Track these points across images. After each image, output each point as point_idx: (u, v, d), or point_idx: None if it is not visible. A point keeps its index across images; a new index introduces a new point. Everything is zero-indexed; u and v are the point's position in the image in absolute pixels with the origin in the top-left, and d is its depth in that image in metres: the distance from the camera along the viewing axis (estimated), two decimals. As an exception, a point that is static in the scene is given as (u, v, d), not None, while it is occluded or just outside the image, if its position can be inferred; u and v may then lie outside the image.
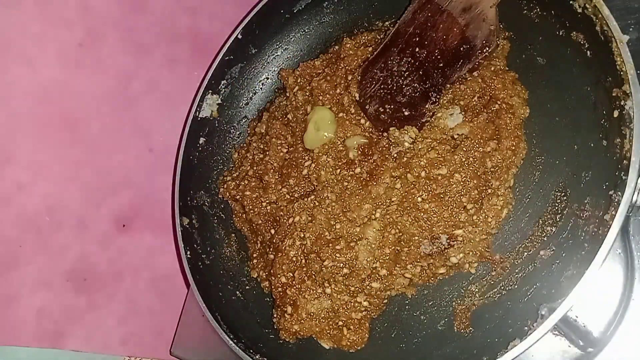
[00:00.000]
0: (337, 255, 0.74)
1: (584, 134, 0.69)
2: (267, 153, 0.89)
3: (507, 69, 0.77)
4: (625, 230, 0.69)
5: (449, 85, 0.77)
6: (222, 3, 1.02)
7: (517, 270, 0.70)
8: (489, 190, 0.72)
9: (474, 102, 0.76)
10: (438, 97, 0.76)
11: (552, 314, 0.58)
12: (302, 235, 0.78)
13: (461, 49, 0.74)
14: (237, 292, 0.88)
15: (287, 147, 0.88)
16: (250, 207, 0.87)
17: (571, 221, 0.67)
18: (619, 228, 0.58)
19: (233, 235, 0.93)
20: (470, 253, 0.71)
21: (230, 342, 0.78)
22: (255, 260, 0.88)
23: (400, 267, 0.73)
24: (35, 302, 0.83)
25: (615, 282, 0.68)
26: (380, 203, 0.75)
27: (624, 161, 0.60)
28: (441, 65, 0.75)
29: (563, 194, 0.69)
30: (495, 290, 0.70)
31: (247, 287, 0.89)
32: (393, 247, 0.73)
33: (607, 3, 0.65)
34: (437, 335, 0.73)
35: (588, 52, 0.69)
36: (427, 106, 0.76)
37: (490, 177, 0.72)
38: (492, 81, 0.76)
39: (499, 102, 0.74)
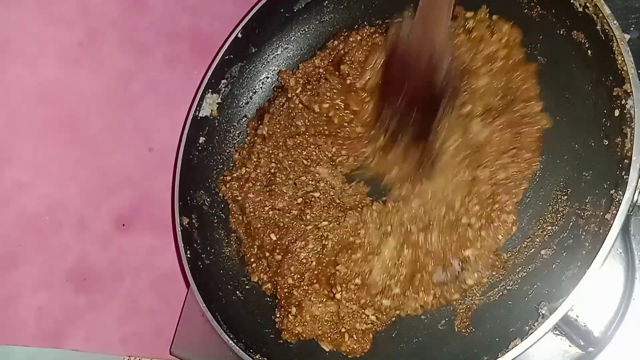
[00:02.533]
0: (352, 264, 0.74)
1: (584, 133, 0.69)
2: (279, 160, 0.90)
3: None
4: (626, 229, 0.69)
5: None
6: (222, 3, 1.02)
7: (517, 270, 0.70)
8: (496, 205, 0.71)
9: (497, 102, 0.75)
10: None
11: (553, 314, 0.58)
12: (326, 235, 0.79)
13: (435, 90, 0.74)
14: (237, 292, 0.88)
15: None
16: (252, 209, 0.87)
17: (572, 221, 0.67)
18: (620, 227, 0.58)
19: (233, 235, 0.93)
20: (484, 269, 0.71)
21: (230, 341, 0.78)
22: (254, 265, 0.88)
23: (413, 292, 0.73)
24: (35, 301, 0.83)
25: (616, 281, 0.69)
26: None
27: (625, 160, 0.61)
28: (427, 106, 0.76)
29: (564, 193, 0.69)
30: (496, 290, 0.71)
31: (247, 287, 0.89)
32: (410, 267, 0.73)
33: (608, 2, 0.65)
34: (438, 335, 0.73)
35: (589, 52, 0.69)
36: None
37: (500, 191, 0.72)
38: (512, 74, 0.76)
39: (520, 107, 0.74)
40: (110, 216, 0.92)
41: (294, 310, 0.77)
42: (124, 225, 0.94)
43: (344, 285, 0.75)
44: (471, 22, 0.80)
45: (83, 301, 0.89)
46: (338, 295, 0.75)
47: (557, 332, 0.68)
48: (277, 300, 0.83)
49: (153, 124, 0.97)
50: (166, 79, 0.98)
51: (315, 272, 0.78)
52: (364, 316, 0.75)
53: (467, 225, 0.71)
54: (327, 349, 0.77)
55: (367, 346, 0.75)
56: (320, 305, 0.76)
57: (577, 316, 0.67)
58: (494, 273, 0.72)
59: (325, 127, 0.88)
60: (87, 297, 0.89)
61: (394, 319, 0.76)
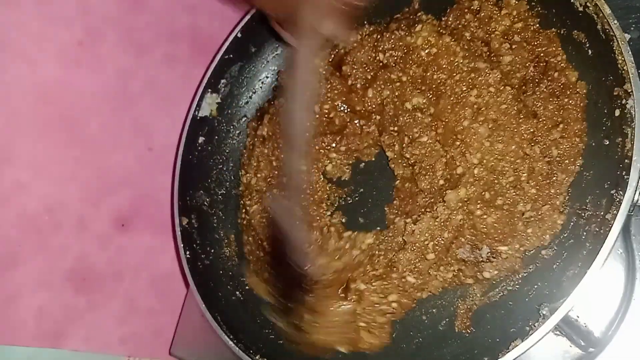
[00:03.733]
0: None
1: (585, 133, 0.69)
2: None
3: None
4: (627, 229, 0.69)
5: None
6: (222, 2, 1.03)
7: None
8: (552, 190, 0.69)
9: (531, 73, 0.74)
10: None
11: (554, 314, 0.58)
12: None
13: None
14: (237, 292, 0.89)
15: None
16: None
17: (572, 221, 0.67)
18: (620, 227, 0.58)
19: (232, 235, 0.93)
20: (504, 270, 0.69)
21: (230, 342, 0.78)
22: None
23: (439, 264, 0.73)
24: (35, 301, 0.84)
25: (617, 282, 0.69)
26: None
27: (626, 160, 0.61)
28: None
29: (564, 193, 0.69)
30: (497, 290, 0.70)
31: (247, 288, 0.89)
32: (453, 234, 0.72)
33: (608, 2, 0.66)
34: (438, 336, 0.73)
35: (589, 51, 0.70)
36: None
37: (556, 170, 0.70)
38: (534, 43, 0.75)
39: (556, 75, 0.72)
40: (110, 216, 0.92)
41: (307, 317, 0.76)
42: (123, 225, 0.94)
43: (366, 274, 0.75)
44: (476, 3, 0.80)
45: (83, 301, 0.89)
46: (362, 286, 0.74)
47: (557, 332, 0.68)
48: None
49: (152, 123, 0.97)
50: (165, 78, 0.98)
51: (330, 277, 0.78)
52: (384, 306, 0.74)
53: (521, 215, 0.69)
54: (345, 351, 0.76)
55: (387, 339, 0.75)
56: (336, 307, 0.76)
57: (578, 316, 0.67)
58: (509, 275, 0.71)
59: (327, 128, 0.88)
60: (87, 297, 0.89)
61: (414, 305, 0.75)
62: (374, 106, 0.84)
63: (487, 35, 0.78)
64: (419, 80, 0.80)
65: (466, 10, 0.80)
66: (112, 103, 0.90)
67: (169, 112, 0.99)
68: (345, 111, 0.88)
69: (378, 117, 0.85)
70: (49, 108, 0.83)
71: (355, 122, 0.87)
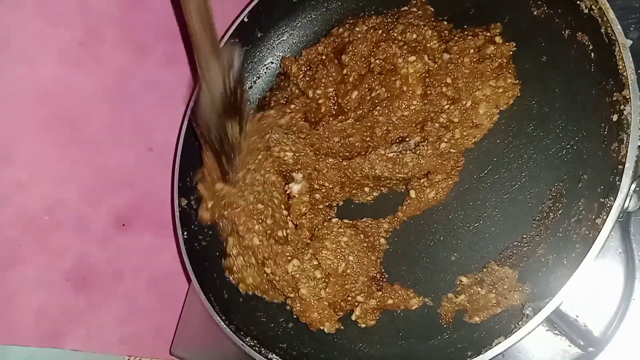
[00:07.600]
0: None
1: (583, 136, 0.75)
2: None
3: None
4: (626, 229, 0.75)
5: None
6: (221, 1, 1.03)
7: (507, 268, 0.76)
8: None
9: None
10: None
11: (537, 314, 0.64)
12: None
13: None
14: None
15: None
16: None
17: (565, 222, 0.73)
18: (609, 232, 0.64)
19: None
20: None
21: (222, 323, 0.86)
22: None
23: None
24: (34, 301, 0.89)
25: (616, 281, 0.74)
26: None
27: (619, 166, 0.66)
28: None
29: (558, 194, 0.76)
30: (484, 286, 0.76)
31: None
32: None
33: (608, 2, 0.71)
34: (423, 329, 0.80)
35: (592, 54, 0.76)
36: None
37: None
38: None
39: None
40: (110, 216, 0.98)
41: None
42: (123, 224, 1.00)
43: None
44: (492, 48, 0.86)
45: (82, 301, 0.95)
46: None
47: (557, 331, 0.74)
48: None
49: (152, 122, 1.03)
50: (165, 77, 1.04)
51: None
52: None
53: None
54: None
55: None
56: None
57: (577, 316, 0.73)
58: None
59: (312, 115, 0.96)
60: (87, 296, 0.96)
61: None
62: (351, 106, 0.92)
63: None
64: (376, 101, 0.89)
65: (472, 50, 0.88)
66: (112, 103, 0.95)
67: (168, 112, 1.04)
68: (334, 100, 0.95)
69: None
70: (49, 108, 0.88)
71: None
